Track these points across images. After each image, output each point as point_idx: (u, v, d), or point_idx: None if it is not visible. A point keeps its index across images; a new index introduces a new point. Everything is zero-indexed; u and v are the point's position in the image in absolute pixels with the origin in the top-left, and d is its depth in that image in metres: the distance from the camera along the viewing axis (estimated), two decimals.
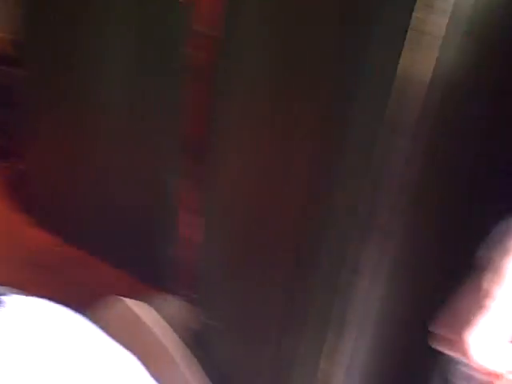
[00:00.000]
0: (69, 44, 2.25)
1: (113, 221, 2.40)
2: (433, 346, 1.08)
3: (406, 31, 0.98)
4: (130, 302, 1.68)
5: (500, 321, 0.93)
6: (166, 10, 1.82)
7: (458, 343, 0.98)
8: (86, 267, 2.51)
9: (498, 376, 0.93)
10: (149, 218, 2.25)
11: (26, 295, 0.78)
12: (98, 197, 2.43)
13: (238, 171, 1.57)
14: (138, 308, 1.65)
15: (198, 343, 1.64)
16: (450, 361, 1.09)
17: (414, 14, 0.98)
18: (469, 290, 1.00)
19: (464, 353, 0.98)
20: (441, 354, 1.08)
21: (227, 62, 1.48)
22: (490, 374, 0.96)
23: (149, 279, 2.28)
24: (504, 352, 0.95)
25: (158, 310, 1.96)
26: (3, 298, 0.75)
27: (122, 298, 1.71)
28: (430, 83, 1.01)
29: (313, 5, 1.22)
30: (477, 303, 0.96)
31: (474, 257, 1.00)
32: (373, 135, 1.10)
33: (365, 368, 1.34)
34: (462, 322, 0.97)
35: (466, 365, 1.05)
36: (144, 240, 2.30)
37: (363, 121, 1.13)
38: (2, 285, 0.88)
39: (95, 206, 2.46)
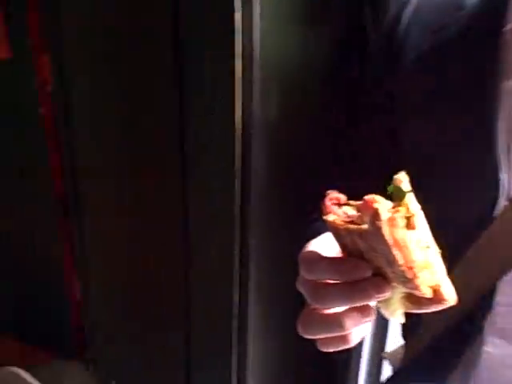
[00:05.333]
0: None
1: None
2: None
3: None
4: (26, 375, 1.60)
5: None
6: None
7: None
8: None
9: None
10: (36, 280, 2.15)
11: None
12: None
13: (104, 231, 1.56)
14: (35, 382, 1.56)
15: None
16: None
17: None
18: None
19: None
20: None
21: (67, 116, 1.45)
22: None
23: (44, 345, 2.18)
24: None
25: (59, 377, 1.88)
26: None
27: (16, 369, 1.61)
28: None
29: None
30: None
31: None
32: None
33: None
34: None
35: None
36: (33, 305, 2.19)
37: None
38: None
39: None
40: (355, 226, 0.49)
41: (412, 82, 0.77)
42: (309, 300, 0.53)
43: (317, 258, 0.54)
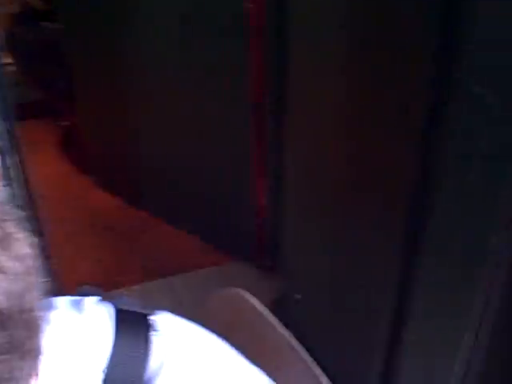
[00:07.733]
0: None
1: (179, 183, 2.23)
2: None
3: None
4: (249, 296, 1.47)
5: None
6: None
7: None
8: (151, 230, 2.38)
9: None
10: (220, 180, 2.06)
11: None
12: (162, 157, 2.25)
13: (316, 128, 1.31)
14: (259, 306, 1.44)
15: (278, 315, 1.45)
16: None
17: None
18: None
19: None
20: None
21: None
22: None
23: (222, 246, 2.12)
24: None
25: (233, 279, 1.76)
26: (154, 319, 0.58)
27: (242, 291, 1.50)
28: None
29: None
30: None
31: None
32: None
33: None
34: None
35: None
36: (214, 204, 2.12)
37: None
38: None
39: (160, 168, 2.29)
40: None
41: None
42: None
43: None
